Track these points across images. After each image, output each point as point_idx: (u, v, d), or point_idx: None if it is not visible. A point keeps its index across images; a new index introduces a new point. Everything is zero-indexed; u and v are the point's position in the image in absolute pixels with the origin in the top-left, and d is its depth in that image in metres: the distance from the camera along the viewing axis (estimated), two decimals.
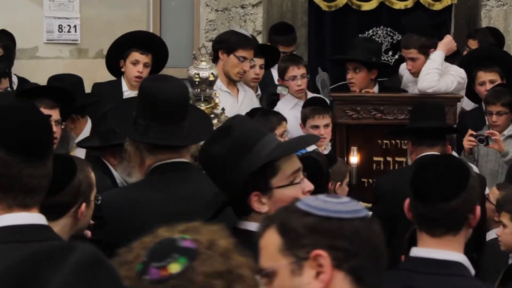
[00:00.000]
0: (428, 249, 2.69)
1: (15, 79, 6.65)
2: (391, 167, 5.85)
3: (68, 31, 7.52)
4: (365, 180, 5.80)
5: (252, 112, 5.32)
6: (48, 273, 1.30)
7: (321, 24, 7.29)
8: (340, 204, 1.90)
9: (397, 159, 5.87)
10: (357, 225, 1.87)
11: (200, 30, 7.50)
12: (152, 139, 3.05)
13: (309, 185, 2.66)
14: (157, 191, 3.04)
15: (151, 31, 7.38)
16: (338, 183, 4.89)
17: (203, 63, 3.86)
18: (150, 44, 6.02)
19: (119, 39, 6.06)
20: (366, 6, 7.16)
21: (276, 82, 6.38)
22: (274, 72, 6.76)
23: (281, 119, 5.43)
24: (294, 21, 7.91)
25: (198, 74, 3.77)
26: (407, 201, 2.77)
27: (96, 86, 6.13)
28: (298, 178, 2.64)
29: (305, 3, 7.67)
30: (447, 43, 6.21)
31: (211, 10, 7.45)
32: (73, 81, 5.36)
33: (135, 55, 5.92)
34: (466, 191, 2.68)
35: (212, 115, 3.66)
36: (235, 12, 7.36)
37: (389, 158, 5.90)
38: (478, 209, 2.72)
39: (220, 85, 5.71)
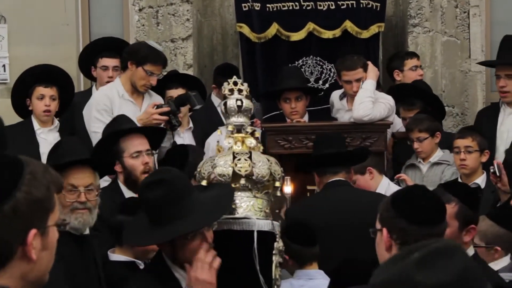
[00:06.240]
0: None
1: None
2: None
3: None
4: None
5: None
6: None
7: (252, 55, 7.34)
8: None
9: None
10: None
11: None
12: None
13: None
14: None
15: None
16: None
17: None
18: (52, 76, 5.94)
19: (20, 78, 5.99)
20: (295, 37, 7.22)
21: (219, 110, 6.31)
22: (215, 100, 6.80)
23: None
24: (224, 54, 7.95)
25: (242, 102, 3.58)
26: None
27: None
28: None
29: (235, 36, 7.71)
30: (373, 69, 6.28)
31: None
32: None
33: (40, 90, 5.87)
34: None
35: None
36: (165, 46, 7.35)
37: None
38: None
39: (122, 93, 5.78)
